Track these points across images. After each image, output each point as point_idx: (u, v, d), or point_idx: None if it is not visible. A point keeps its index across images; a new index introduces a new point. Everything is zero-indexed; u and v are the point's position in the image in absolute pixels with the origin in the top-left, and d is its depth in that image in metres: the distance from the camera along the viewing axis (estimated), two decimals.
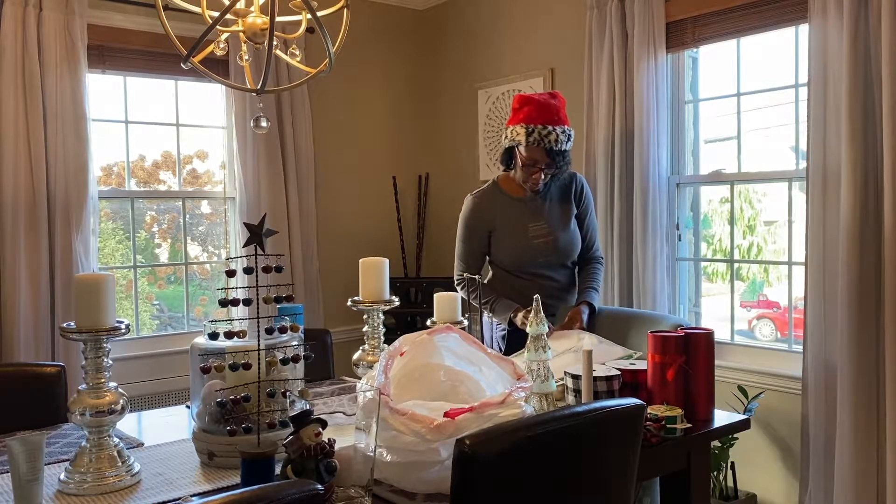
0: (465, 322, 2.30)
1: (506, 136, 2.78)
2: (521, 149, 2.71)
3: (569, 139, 2.73)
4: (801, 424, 2.90)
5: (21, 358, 3.24)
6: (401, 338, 1.89)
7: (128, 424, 2.11)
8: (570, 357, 2.30)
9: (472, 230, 2.90)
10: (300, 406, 1.73)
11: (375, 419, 1.50)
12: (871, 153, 2.68)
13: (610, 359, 2.24)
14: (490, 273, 2.98)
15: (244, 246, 1.66)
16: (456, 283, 2.91)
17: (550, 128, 2.68)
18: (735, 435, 2.90)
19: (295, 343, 1.74)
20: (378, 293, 2.27)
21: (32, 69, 3.28)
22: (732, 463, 3.14)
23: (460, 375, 1.80)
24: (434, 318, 2.28)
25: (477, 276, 2.80)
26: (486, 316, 2.85)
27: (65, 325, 1.65)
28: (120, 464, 1.65)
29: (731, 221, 3.39)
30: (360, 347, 2.32)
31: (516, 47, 4.09)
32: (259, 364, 1.66)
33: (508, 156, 2.84)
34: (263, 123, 2.14)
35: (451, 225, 4.56)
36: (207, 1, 2.08)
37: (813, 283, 2.84)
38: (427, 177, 4.70)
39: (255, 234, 1.64)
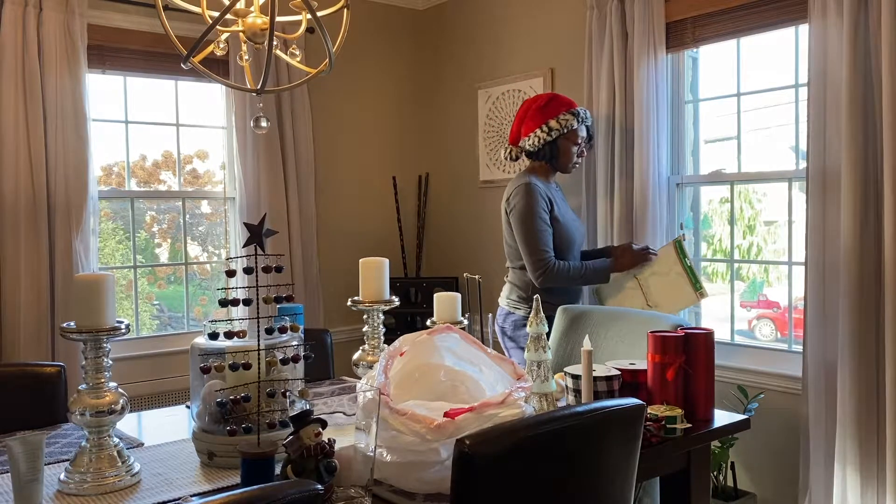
0: (466, 322, 2.30)
1: (550, 130, 3.04)
2: (574, 132, 3.08)
3: None
4: (801, 424, 2.90)
5: (21, 358, 3.24)
6: (401, 338, 1.89)
7: (128, 424, 2.11)
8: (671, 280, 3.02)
9: (544, 211, 3.00)
10: (300, 406, 1.73)
11: (375, 419, 1.50)
12: (871, 153, 2.67)
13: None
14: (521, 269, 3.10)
15: (244, 246, 1.66)
16: (543, 272, 2.95)
17: (586, 108, 3.20)
18: (735, 435, 2.90)
19: (295, 343, 1.74)
20: (378, 293, 2.27)
21: (32, 69, 3.28)
22: (732, 463, 3.14)
23: (460, 375, 1.80)
24: (434, 318, 2.28)
25: (477, 277, 2.80)
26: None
27: (65, 325, 1.65)
28: (120, 464, 1.65)
29: (731, 221, 3.39)
30: (360, 347, 2.32)
31: (516, 47, 4.09)
32: (259, 364, 1.66)
33: (550, 149, 3.08)
34: (263, 123, 2.14)
35: (451, 225, 4.59)
36: (207, 1, 2.08)
37: (813, 283, 2.84)
38: (427, 177, 4.70)
39: (255, 234, 1.64)
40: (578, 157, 3.16)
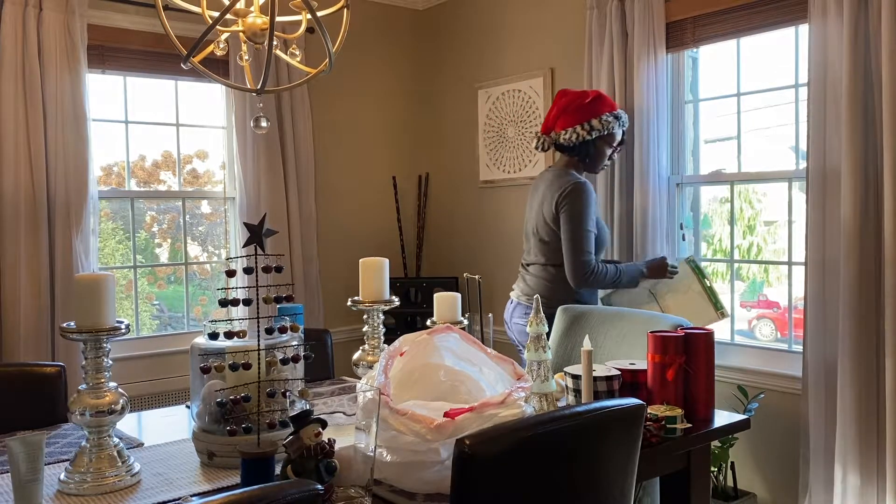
0: (466, 322, 2.30)
1: (591, 129, 3.01)
2: (612, 135, 3.07)
3: None
4: (801, 424, 2.90)
5: (21, 358, 3.24)
6: (401, 338, 1.89)
7: (128, 424, 2.11)
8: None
9: (594, 213, 3.00)
10: (300, 406, 1.73)
11: (375, 419, 1.50)
12: (871, 153, 2.67)
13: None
14: (551, 271, 3.05)
15: (244, 246, 1.66)
16: (587, 275, 2.92)
17: (625, 112, 3.18)
18: (735, 435, 2.90)
19: (295, 343, 1.74)
20: (378, 293, 2.27)
21: (32, 69, 3.28)
22: (732, 463, 3.14)
23: (460, 375, 1.80)
24: (434, 318, 2.28)
25: (477, 277, 2.80)
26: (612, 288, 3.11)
27: (65, 325, 1.65)
28: (120, 464, 1.65)
29: (731, 221, 3.39)
30: (360, 347, 2.32)
31: (516, 47, 4.09)
32: (259, 364, 1.66)
33: (585, 147, 3.05)
34: (263, 123, 2.14)
35: (451, 225, 4.59)
36: (207, 1, 2.08)
37: (813, 283, 2.84)
38: (427, 177, 4.70)
39: (255, 234, 1.64)
40: (609, 159, 3.15)
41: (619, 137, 3.11)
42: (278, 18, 2.01)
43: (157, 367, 3.74)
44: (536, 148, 3.20)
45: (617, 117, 3.05)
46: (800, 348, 2.96)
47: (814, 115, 2.80)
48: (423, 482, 1.54)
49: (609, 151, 3.11)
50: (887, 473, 2.62)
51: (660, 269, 3.08)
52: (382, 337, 2.31)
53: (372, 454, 1.50)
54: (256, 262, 1.64)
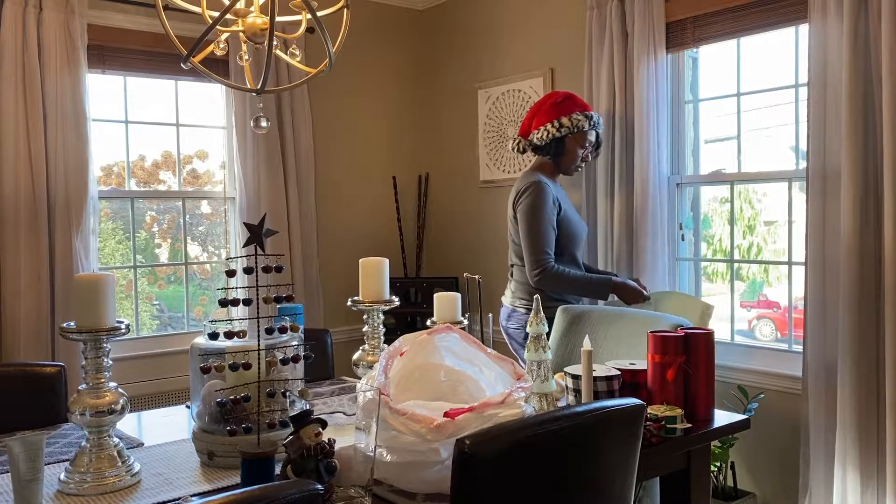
0: (466, 322, 2.30)
1: (560, 126, 3.06)
2: (583, 133, 3.10)
3: None
4: (801, 424, 2.90)
5: (21, 358, 3.24)
6: (401, 338, 1.89)
7: (128, 424, 2.11)
8: None
9: (552, 212, 3.02)
10: (300, 406, 1.73)
11: (375, 419, 1.50)
12: (871, 153, 2.67)
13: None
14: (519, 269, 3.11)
15: (244, 246, 1.66)
16: (541, 272, 2.95)
17: (599, 114, 3.24)
18: (735, 435, 2.90)
19: (295, 343, 1.74)
20: (378, 293, 2.27)
21: (32, 69, 3.28)
22: (732, 463, 3.14)
23: (460, 375, 1.80)
24: (434, 318, 2.28)
25: (477, 277, 2.80)
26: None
27: (65, 325, 1.65)
28: (120, 464, 1.65)
29: (731, 221, 3.39)
30: (360, 347, 2.32)
31: (516, 47, 4.09)
32: (259, 364, 1.66)
33: (556, 145, 3.10)
34: (263, 123, 2.14)
35: (451, 225, 4.59)
36: (207, 1, 2.08)
37: (813, 283, 2.84)
38: (427, 177, 4.70)
39: (255, 234, 1.64)
40: (582, 160, 3.17)
41: (591, 138, 3.15)
42: (278, 18, 2.01)
43: (157, 367, 3.74)
44: (512, 149, 3.28)
45: (588, 117, 3.10)
46: (800, 348, 2.96)
47: (814, 115, 2.80)
48: (423, 482, 1.54)
49: (581, 152, 3.13)
50: (887, 473, 2.62)
51: (631, 294, 2.99)
52: (382, 337, 2.32)
53: (372, 454, 1.50)
54: (256, 262, 1.64)
